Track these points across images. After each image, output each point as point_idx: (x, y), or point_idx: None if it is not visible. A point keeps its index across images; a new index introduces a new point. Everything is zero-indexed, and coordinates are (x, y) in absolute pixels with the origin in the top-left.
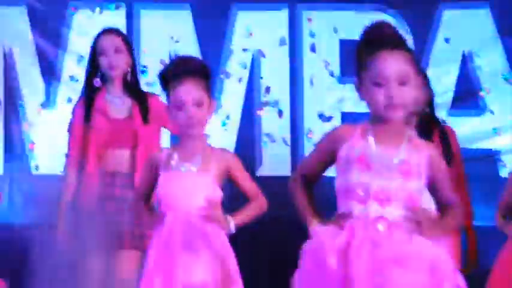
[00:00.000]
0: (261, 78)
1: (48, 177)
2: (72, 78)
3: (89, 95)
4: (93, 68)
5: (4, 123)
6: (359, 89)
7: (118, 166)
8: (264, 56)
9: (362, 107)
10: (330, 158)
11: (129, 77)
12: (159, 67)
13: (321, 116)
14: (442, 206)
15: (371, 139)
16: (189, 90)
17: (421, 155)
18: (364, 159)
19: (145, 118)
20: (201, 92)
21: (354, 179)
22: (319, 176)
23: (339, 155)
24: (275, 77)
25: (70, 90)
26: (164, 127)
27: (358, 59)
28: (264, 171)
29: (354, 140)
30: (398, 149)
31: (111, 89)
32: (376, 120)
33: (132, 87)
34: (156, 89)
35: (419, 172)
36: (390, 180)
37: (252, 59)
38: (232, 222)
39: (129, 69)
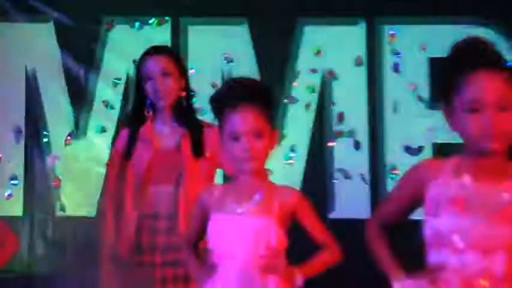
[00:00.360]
0: (333, 103)
1: (76, 220)
2: (106, 104)
3: (135, 127)
4: (141, 96)
5: (25, 156)
6: (449, 116)
7: (159, 206)
8: (336, 77)
9: (458, 137)
10: (415, 200)
11: (183, 102)
12: (210, 91)
13: (408, 149)
14: None
15: (466, 176)
16: (247, 119)
17: None
18: (460, 200)
19: (196, 150)
20: (261, 121)
21: (448, 224)
22: (402, 221)
23: (427, 196)
24: (350, 102)
25: (103, 118)
26: (221, 169)
27: (447, 80)
28: (337, 214)
29: (445, 178)
30: (501, 187)
31: (160, 117)
32: (471, 153)
33: (185, 114)
34: (206, 117)
35: None
36: (494, 225)
37: (322, 81)
38: (299, 275)
39: (182, 94)
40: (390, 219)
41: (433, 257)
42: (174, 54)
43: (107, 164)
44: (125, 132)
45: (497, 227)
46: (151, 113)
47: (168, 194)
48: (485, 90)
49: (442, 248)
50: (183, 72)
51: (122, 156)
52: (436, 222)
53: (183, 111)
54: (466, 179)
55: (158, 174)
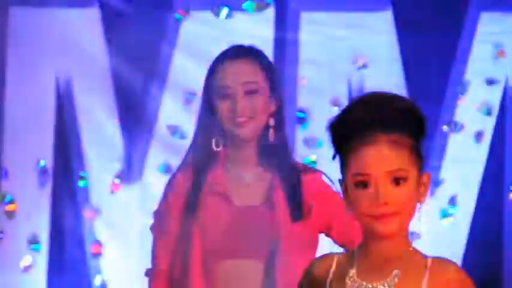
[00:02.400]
0: None
1: None
2: (173, 130)
3: (201, 170)
4: (208, 118)
5: (52, 208)
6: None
7: None
8: None
9: None
10: None
11: (271, 136)
12: (330, 112)
13: None
14: None
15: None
16: (381, 156)
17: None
18: None
19: (296, 208)
20: (405, 159)
21: None
22: None
23: None
24: None
25: (169, 151)
26: (326, 233)
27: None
28: None
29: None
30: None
31: (237, 155)
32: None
33: (275, 153)
34: (321, 151)
35: None
36: None
37: (503, 96)
38: None
39: (271, 123)
40: None
41: None
42: (265, 60)
43: (152, 228)
44: (182, 178)
45: None
46: (222, 148)
47: (257, 272)
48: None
49: None
50: (275, 88)
51: (181, 208)
52: None
53: (273, 148)
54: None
55: (240, 244)
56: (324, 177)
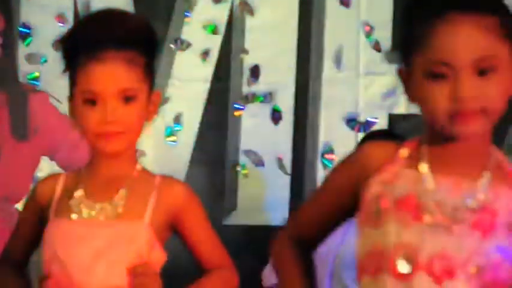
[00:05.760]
0: (244, 51)
1: None
2: None
3: None
4: None
5: None
6: (405, 80)
7: None
8: (251, 11)
9: None
10: (349, 203)
11: None
12: (57, 30)
13: (351, 122)
14: None
15: (424, 167)
16: (112, 73)
17: None
18: (412, 202)
19: (21, 128)
20: (134, 77)
21: (390, 237)
22: (326, 235)
23: (364, 197)
24: (271, 49)
25: None
26: (50, 156)
27: (405, 27)
28: (239, 218)
29: (394, 169)
30: (474, 186)
31: None
32: (435, 135)
33: (2, 72)
34: (49, 69)
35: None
36: (458, 239)
37: (229, 17)
38: None
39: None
40: (310, 231)
41: (366, 283)
42: None
43: None
44: None
45: (462, 242)
46: None
47: None
48: (458, 44)
49: (379, 271)
50: (5, 4)
51: None
52: (373, 234)
53: None
54: (424, 170)
55: None
56: (51, 99)
